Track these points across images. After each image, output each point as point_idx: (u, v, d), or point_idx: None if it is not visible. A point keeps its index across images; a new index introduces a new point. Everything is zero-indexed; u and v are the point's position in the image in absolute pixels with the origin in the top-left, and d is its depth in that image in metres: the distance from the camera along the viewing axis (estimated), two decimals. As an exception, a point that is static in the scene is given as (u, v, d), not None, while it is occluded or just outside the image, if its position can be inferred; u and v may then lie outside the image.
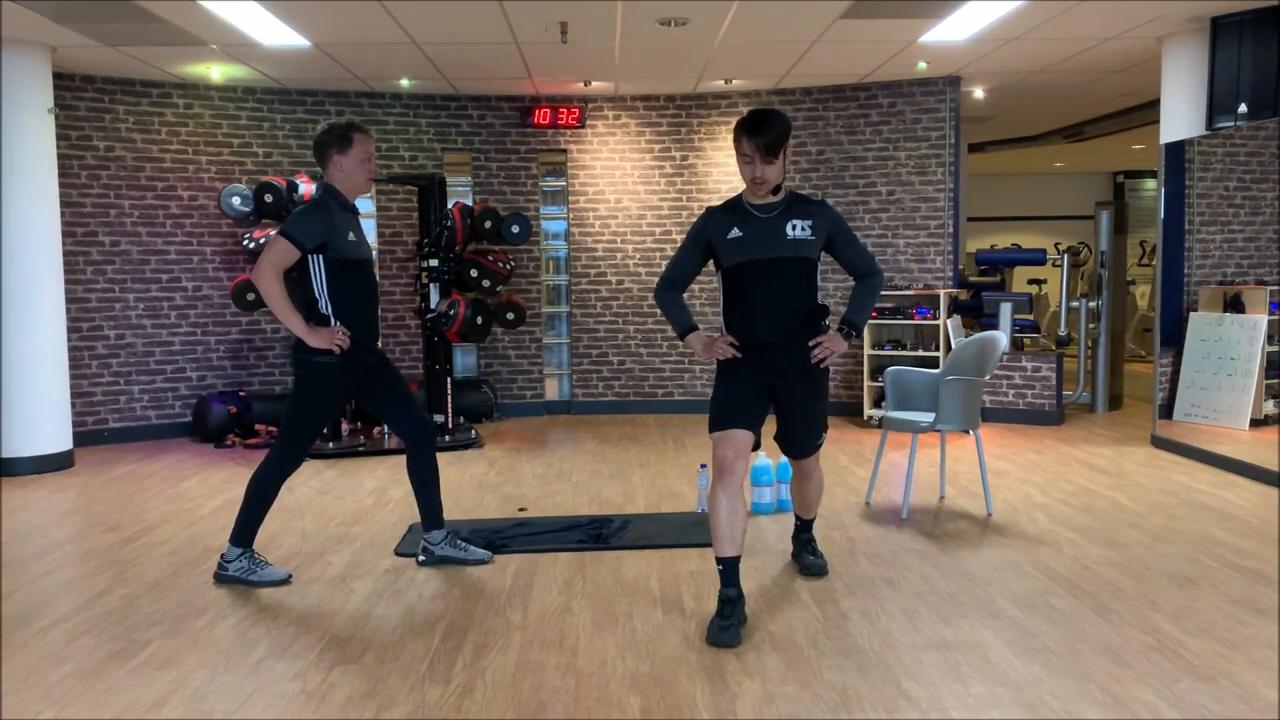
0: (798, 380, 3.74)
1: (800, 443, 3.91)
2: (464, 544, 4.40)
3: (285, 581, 4.14)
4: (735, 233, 3.71)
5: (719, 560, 3.53)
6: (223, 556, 4.19)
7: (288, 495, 5.68)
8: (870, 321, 7.93)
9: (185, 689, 3.11)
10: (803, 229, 3.69)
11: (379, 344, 4.28)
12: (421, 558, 4.37)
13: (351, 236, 4.07)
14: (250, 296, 7.36)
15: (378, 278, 4.23)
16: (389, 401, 4.29)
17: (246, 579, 4.13)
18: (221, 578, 4.16)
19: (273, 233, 4.06)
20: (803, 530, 4.26)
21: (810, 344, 3.67)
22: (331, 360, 3.97)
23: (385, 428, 7.51)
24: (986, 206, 14.85)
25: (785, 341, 3.70)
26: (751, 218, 3.71)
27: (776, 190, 3.71)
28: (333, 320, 4.03)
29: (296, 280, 4.06)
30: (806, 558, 4.21)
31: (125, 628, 3.65)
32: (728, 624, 3.43)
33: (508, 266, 7.95)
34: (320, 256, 3.99)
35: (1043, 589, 3.93)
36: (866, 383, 8.03)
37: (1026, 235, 14.61)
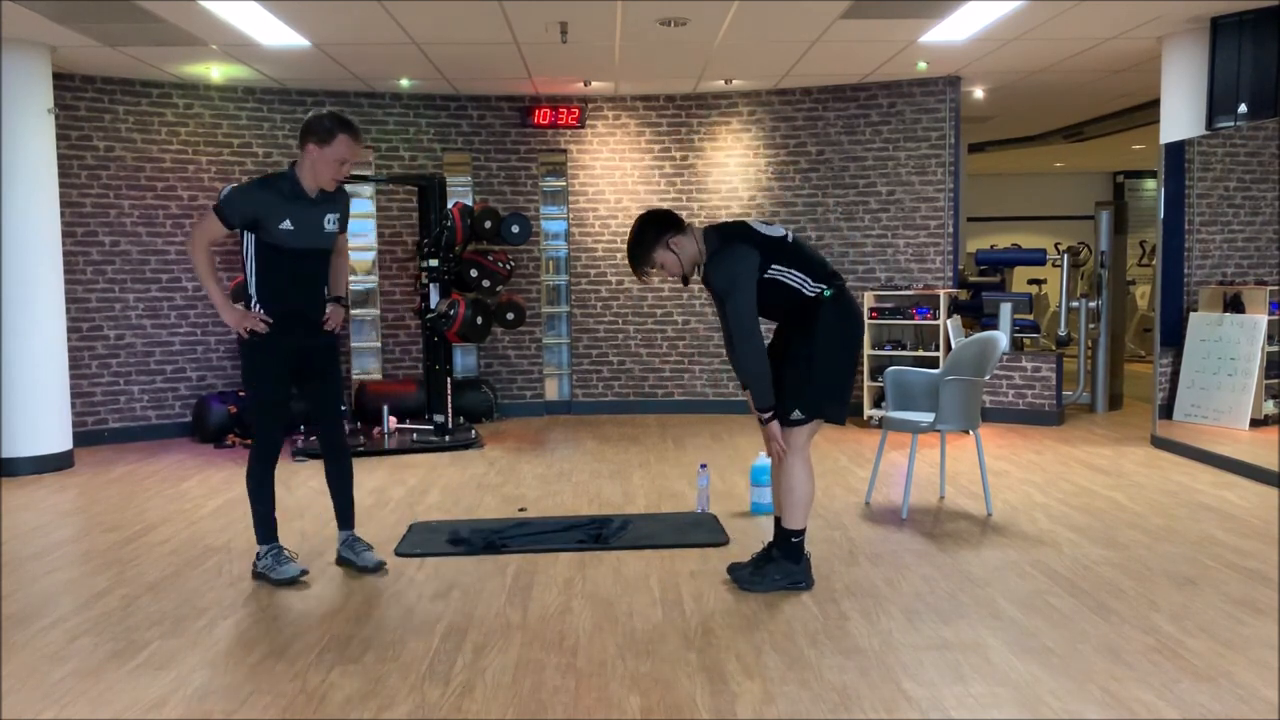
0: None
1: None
2: (363, 549, 4.34)
3: (298, 579, 4.14)
4: None
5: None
6: (256, 554, 4.22)
7: (288, 496, 5.68)
8: (871, 321, 7.95)
9: (185, 689, 3.11)
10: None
11: (316, 336, 4.21)
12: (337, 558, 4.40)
13: (287, 225, 3.98)
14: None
15: (323, 265, 4.24)
16: (315, 400, 4.28)
17: (267, 575, 4.14)
18: (254, 574, 4.21)
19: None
20: (775, 537, 4.04)
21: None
22: (253, 336, 4.04)
23: (385, 427, 7.52)
24: (986, 206, 14.85)
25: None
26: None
27: (695, 267, 3.89)
28: (254, 301, 4.07)
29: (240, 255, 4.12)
30: (747, 565, 4.06)
31: (125, 628, 3.65)
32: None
33: (508, 266, 7.96)
34: (252, 236, 4.02)
35: (1043, 589, 3.93)
36: (866, 383, 8.02)
37: (1026, 235, 14.61)
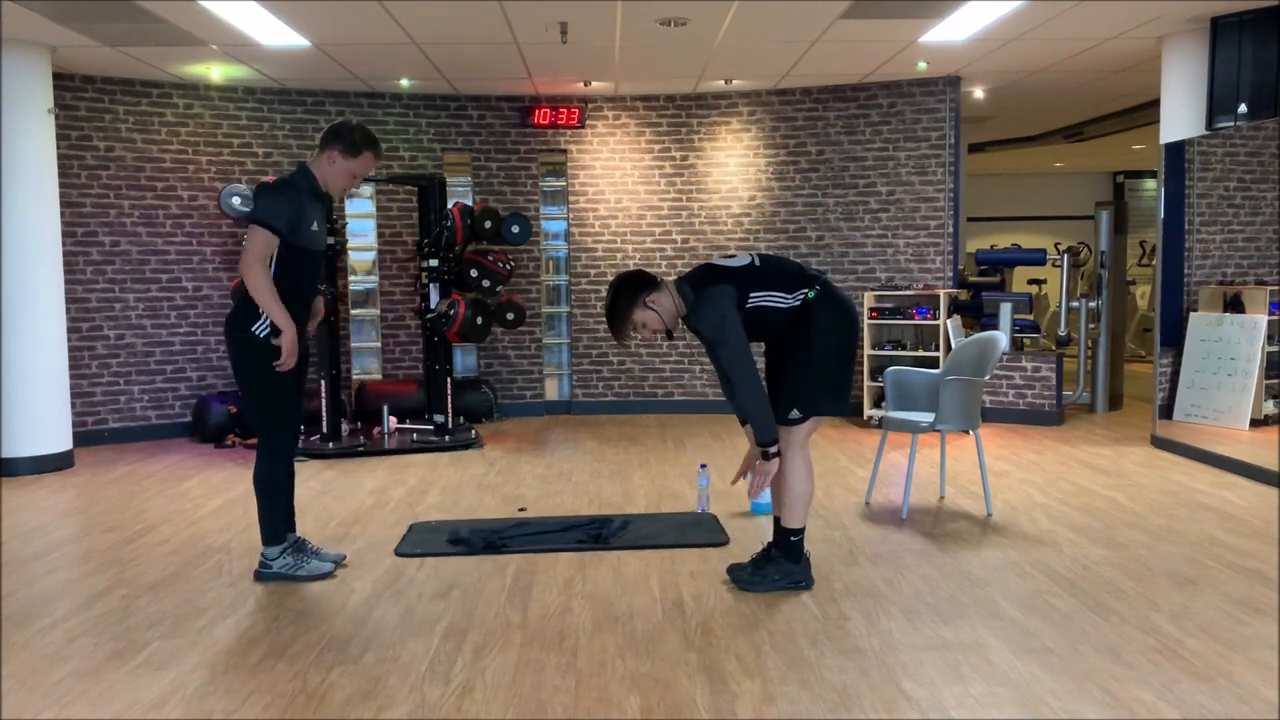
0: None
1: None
2: (313, 548, 4.36)
3: (331, 574, 4.15)
4: None
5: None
6: (263, 555, 4.19)
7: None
8: (871, 322, 7.96)
9: (185, 689, 3.11)
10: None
11: (306, 337, 4.27)
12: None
13: (314, 226, 4.05)
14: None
15: (323, 267, 4.23)
16: None
17: (292, 574, 4.14)
18: (264, 576, 4.16)
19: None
20: (774, 537, 4.06)
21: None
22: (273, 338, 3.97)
23: (385, 427, 7.52)
24: (986, 206, 14.85)
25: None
26: None
27: (678, 318, 3.89)
28: None
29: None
30: (746, 565, 4.06)
31: (125, 628, 3.65)
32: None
33: (508, 266, 7.96)
34: (276, 241, 3.97)
35: (1043, 589, 3.93)
36: (866, 383, 8.02)
37: (1026, 235, 14.62)
